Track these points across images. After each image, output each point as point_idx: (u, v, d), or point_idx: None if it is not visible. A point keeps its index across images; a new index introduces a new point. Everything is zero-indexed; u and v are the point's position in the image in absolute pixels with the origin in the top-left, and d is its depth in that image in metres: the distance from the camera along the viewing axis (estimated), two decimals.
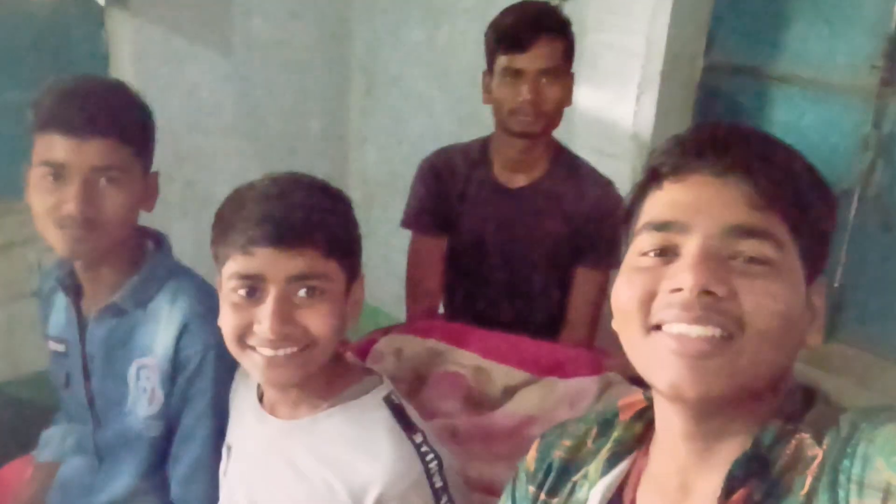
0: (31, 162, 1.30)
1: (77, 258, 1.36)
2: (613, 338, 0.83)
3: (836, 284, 2.01)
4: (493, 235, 1.89)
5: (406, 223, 1.98)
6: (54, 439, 1.54)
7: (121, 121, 1.29)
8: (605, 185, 1.88)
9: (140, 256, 1.40)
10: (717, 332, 0.73)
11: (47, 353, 1.50)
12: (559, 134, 1.89)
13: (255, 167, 3.04)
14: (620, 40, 2.20)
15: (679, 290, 0.75)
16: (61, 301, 1.45)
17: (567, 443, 0.96)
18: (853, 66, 1.98)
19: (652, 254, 0.79)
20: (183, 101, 2.80)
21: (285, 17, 2.98)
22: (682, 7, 2.14)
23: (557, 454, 0.96)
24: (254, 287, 1.10)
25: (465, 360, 1.58)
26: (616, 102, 2.24)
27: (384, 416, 1.16)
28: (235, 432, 1.29)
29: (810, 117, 2.04)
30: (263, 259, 1.08)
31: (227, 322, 1.12)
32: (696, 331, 0.74)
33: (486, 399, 1.56)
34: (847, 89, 1.99)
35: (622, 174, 2.05)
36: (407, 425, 1.16)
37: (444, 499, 1.12)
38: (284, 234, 1.08)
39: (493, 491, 1.37)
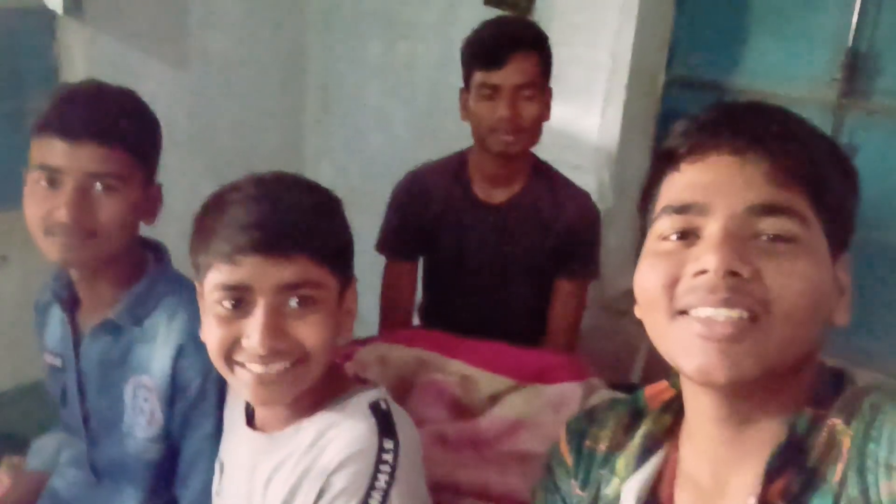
0: (28, 167, 1.24)
1: (69, 266, 1.30)
2: (592, 347, 0.82)
3: None
4: (475, 251, 1.89)
5: (380, 249, 1.98)
6: (47, 449, 1.47)
7: (120, 127, 1.23)
8: (583, 197, 1.90)
9: (139, 269, 1.33)
10: (744, 314, 0.72)
11: (44, 366, 1.43)
12: None
13: (209, 182, 2.97)
14: (586, 54, 2.23)
15: (703, 272, 0.73)
16: (57, 314, 1.38)
17: (598, 432, 0.94)
18: (812, 78, 2.04)
19: (673, 237, 0.78)
20: None
21: (242, 32, 2.94)
22: (646, 23, 2.19)
23: (589, 444, 0.94)
24: (240, 298, 1.00)
25: (451, 368, 1.58)
26: (582, 115, 2.27)
27: (366, 423, 1.05)
28: (227, 448, 1.22)
29: None
30: (250, 268, 0.99)
31: (213, 337, 1.03)
32: (723, 314, 0.72)
33: (472, 406, 1.55)
34: (807, 101, 2.04)
35: (588, 185, 2.07)
36: (386, 430, 1.05)
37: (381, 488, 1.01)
38: (273, 241, 0.99)
39: (486, 496, 1.37)
